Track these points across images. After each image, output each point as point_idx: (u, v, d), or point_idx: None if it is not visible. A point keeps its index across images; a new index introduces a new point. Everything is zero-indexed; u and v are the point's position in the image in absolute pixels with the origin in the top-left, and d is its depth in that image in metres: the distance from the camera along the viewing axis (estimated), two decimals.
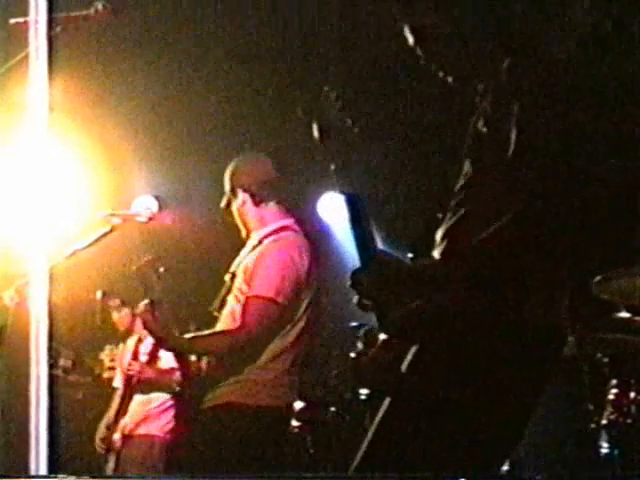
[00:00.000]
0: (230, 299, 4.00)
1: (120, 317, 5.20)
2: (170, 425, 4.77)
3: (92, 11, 3.90)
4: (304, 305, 3.99)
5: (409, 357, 2.42)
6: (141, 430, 5.00)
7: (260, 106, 5.47)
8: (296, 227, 4.11)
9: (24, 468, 3.35)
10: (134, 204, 4.60)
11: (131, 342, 5.12)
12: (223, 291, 4.06)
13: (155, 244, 4.47)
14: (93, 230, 4.27)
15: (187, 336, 3.99)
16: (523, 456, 3.98)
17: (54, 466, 3.20)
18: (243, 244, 4.13)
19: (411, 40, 2.47)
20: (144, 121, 5.42)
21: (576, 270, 2.42)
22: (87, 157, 5.00)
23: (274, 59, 5.35)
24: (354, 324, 4.90)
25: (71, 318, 4.25)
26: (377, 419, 2.48)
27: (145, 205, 4.44)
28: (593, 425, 4.06)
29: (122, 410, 4.81)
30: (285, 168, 4.21)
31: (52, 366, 4.77)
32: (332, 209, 5.85)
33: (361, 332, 4.86)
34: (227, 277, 4.07)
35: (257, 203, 4.09)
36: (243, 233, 4.15)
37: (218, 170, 4.30)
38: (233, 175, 4.13)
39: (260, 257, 3.99)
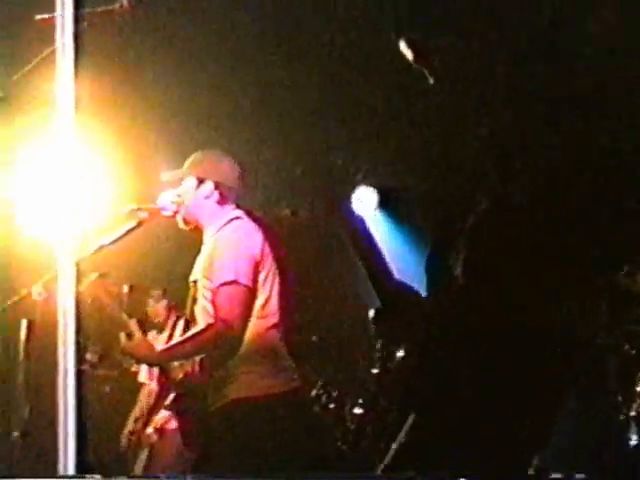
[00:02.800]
0: (199, 299, 4.09)
1: (156, 308, 5.23)
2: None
3: (117, 6, 3.99)
4: (264, 283, 4.06)
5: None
6: (172, 424, 4.98)
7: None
8: (245, 217, 4.19)
9: (52, 464, 3.42)
10: (160, 198, 4.58)
11: (164, 336, 5.07)
12: (190, 295, 4.15)
13: (181, 238, 4.46)
14: (120, 225, 4.30)
15: (165, 346, 4.11)
16: (553, 448, 3.99)
17: (83, 459, 3.25)
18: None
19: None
20: (170, 115, 5.46)
21: (603, 265, 2.48)
22: (113, 152, 5.06)
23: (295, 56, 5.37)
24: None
25: (98, 313, 4.18)
26: (408, 422, 2.44)
27: (171, 199, 4.34)
28: (622, 417, 4.08)
29: (157, 406, 4.82)
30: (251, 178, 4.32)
31: (79, 361, 4.88)
32: None
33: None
34: (191, 281, 4.15)
35: (220, 202, 4.19)
36: (182, 225, 4.22)
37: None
38: (207, 166, 4.24)
39: (213, 249, 4.08)
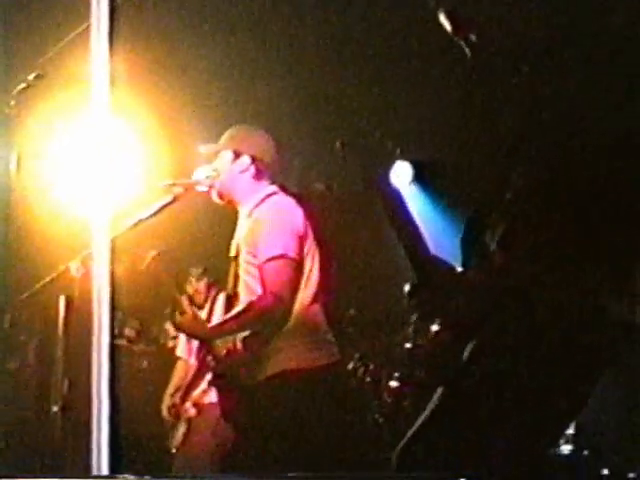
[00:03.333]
0: (242, 275, 4.10)
1: (197, 287, 5.18)
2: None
3: None
4: (306, 257, 4.10)
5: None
6: (211, 398, 4.99)
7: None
8: (281, 192, 4.20)
9: (86, 446, 3.42)
10: (196, 173, 4.58)
11: (203, 313, 5.00)
12: (231, 272, 4.15)
13: (216, 214, 4.47)
14: (155, 200, 4.31)
15: (217, 322, 4.15)
16: (584, 440, 4.03)
17: (117, 438, 3.27)
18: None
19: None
20: (206, 90, 5.38)
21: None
22: (149, 127, 5.01)
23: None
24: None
25: (136, 288, 4.20)
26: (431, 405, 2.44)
27: (206, 174, 4.35)
28: None
29: (196, 381, 4.83)
30: (287, 153, 4.36)
31: (116, 336, 4.92)
32: None
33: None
34: (231, 256, 4.16)
35: (256, 176, 4.20)
36: (216, 199, 4.22)
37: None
38: (244, 140, 4.25)
39: (256, 225, 4.09)
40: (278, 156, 4.28)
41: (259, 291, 4.04)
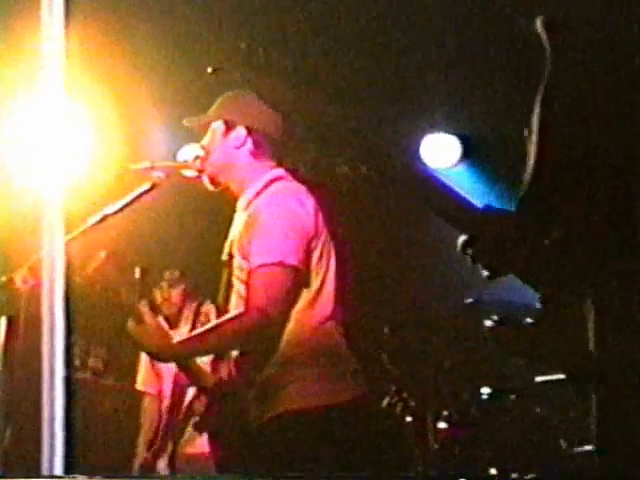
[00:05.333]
0: (235, 283, 3.65)
1: (169, 295, 4.81)
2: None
3: None
4: (318, 264, 3.59)
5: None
6: (199, 448, 4.44)
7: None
8: (290, 177, 3.74)
9: None
10: (180, 153, 3.98)
11: (183, 331, 4.71)
12: (223, 279, 3.70)
13: (204, 204, 4.02)
14: (127, 189, 3.78)
15: (183, 337, 3.67)
16: None
17: None
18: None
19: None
20: (192, 52, 4.96)
21: None
22: (117, 101, 4.69)
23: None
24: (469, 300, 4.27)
25: (100, 304, 3.71)
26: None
27: (193, 154, 3.81)
28: None
29: (173, 429, 4.33)
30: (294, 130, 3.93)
31: (78, 368, 4.28)
32: None
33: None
34: (224, 259, 3.72)
35: (255, 153, 3.71)
36: (209, 185, 3.76)
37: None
38: (238, 107, 3.80)
39: (252, 220, 3.61)
40: (283, 129, 3.77)
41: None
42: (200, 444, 4.36)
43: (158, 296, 4.81)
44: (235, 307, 3.61)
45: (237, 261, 3.63)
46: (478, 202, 5.08)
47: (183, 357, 3.56)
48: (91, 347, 4.85)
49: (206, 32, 4.98)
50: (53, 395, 2.90)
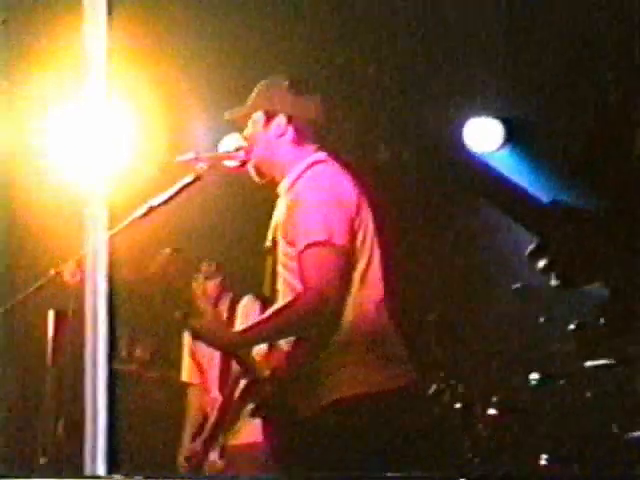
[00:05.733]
0: (280, 271, 3.63)
1: (205, 288, 4.72)
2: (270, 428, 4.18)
3: None
4: (362, 244, 3.57)
5: None
6: (252, 438, 4.49)
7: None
8: (330, 160, 3.71)
9: None
10: (222, 144, 3.99)
11: None
12: (268, 265, 3.68)
13: (247, 195, 4.00)
14: (171, 181, 3.77)
15: (244, 326, 3.59)
16: None
17: None
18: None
19: None
20: (231, 43, 4.98)
21: None
22: (156, 96, 4.72)
23: None
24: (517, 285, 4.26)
25: (146, 296, 3.60)
26: None
27: (236, 144, 3.77)
28: None
29: (225, 421, 4.22)
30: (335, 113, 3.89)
31: (124, 360, 4.31)
32: None
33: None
34: (267, 245, 3.72)
35: (296, 140, 3.70)
36: (256, 177, 3.74)
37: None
38: (276, 96, 3.75)
39: (294, 203, 3.60)
40: (323, 114, 3.74)
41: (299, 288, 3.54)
42: (252, 433, 4.43)
43: (196, 287, 4.72)
44: (282, 295, 3.59)
45: (282, 247, 3.62)
46: (523, 185, 5.10)
47: (244, 346, 3.53)
48: (138, 337, 4.84)
49: (244, 20, 5.01)
50: (96, 387, 2.93)
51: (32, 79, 4.65)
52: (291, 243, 3.55)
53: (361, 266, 3.54)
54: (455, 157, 5.00)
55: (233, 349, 3.56)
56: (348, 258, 3.51)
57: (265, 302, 3.66)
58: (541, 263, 3.35)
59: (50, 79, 4.59)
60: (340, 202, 3.54)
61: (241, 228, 4.47)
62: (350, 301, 3.53)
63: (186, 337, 5.00)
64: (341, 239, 3.48)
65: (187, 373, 4.85)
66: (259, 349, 3.61)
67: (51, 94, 4.57)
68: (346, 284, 3.51)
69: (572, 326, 4.12)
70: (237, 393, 3.78)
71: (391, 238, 3.65)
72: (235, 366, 4.02)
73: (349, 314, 3.53)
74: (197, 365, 4.85)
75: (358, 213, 3.56)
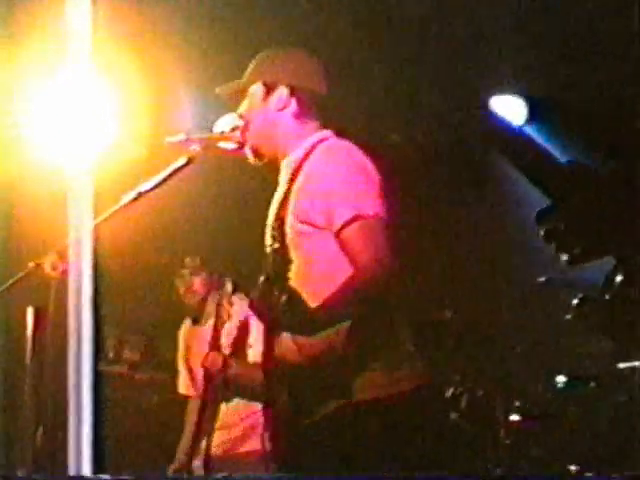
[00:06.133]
0: (291, 250, 3.48)
1: (192, 285, 4.66)
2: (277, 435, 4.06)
3: None
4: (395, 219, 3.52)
5: None
6: (239, 447, 4.51)
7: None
8: (338, 138, 3.65)
9: None
10: (217, 124, 3.89)
11: (208, 327, 4.55)
12: (271, 247, 3.55)
13: (242, 180, 3.98)
14: (161, 163, 3.69)
15: (314, 305, 3.40)
16: None
17: None
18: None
19: None
20: (219, 18, 4.88)
21: None
22: (144, 71, 4.63)
23: None
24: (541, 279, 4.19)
25: (135, 290, 3.50)
26: None
27: (230, 124, 3.64)
28: None
29: (203, 426, 4.25)
30: (336, 82, 3.76)
31: (112, 360, 4.23)
32: None
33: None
34: (270, 225, 3.59)
35: (299, 115, 3.61)
36: (252, 159, 3.64)
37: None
38: (277, 66, 3.68)
39: (313, 178, 3.47)
40: (328, 85, 3.64)
41: (344, 266, 3.37)
42: (255, 441, 4.24)
43: (180, 285, 4.70)
44: (296, 277, 3.46)
45: (291, 225, 3.49)
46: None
47: (318, 326, 3.35)
48: (127, 337, 4.78)
49: None
50: (80, 391, 2.82)
51: (13, 61, 4.56)
52: (307, 221, 3.43)
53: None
54: (482, 132, 4.92)
55: (315, 328, 3.37)
56: (395, 232, 3.40)
57: (268, 284, 3.47)
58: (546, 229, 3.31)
59: (32, 60, 4.50)
60: (368, 174, 3.45)
61: (238, 214, 4.33)
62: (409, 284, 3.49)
63: (180, 342, 5.01)
64: (384, 212, 3.40)
65: (184, 385, 4.80)
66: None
67: (33, 75, 4.48)
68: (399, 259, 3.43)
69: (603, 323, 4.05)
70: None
71: (405, 227, 3.53)
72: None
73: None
74: (191, 374, 4.79)
75: (382, 188, 3.48)
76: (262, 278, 3.47)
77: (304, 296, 3.43)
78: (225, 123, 3.71)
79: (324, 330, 3.40)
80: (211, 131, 3.75)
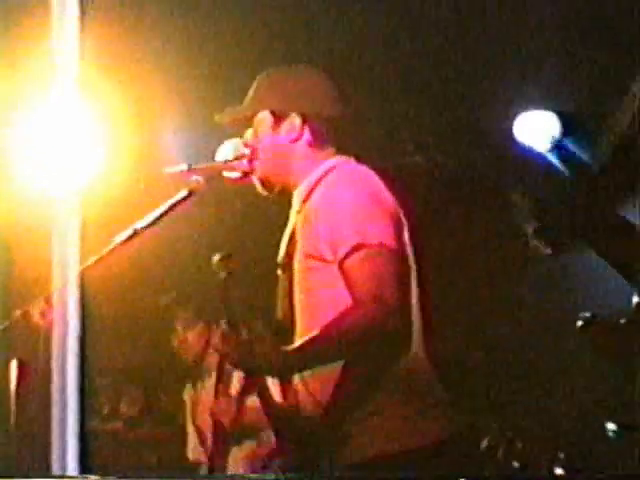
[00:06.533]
0: (296, 290, 3.46)
1: (186, 340, 4.63)
2: None
3: None
4: (407, 250, 3.45)
5: None
6: None
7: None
8: (354, 162, 3.59)
9: None
10: (219, 153, 3.70)
11: (210, 384, 4.58)
12: (281, 282, 3.53)
13: (251, 212, 3.86)
14: (159, 197, 3.61)
15: (297, 344, 3.37)
16: None
17: None
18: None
19: None
20: (229, 31, 4.79)
21: None
22: (138, 102, 4.59)
23: None
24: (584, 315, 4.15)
25: (131, 337, 3.40)
26: None
27: (234, 152, 3.57)
28: None
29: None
30: (351, 103, 3.69)
31: (106, 416, 4.10)
32: None
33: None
34: (280, 262, 3.57)
35: (313, 143, 3.56)
36: (261, 189, 3.61)
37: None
38: (285, 89, 3.62)
39: (321, 207, 3.45)
40: (342, 106, 3.57)
41: (343, 299, 3.33)
42: None
43: (174, 340, 4.67)
44: (300, 317, 3.42)
45: (299, 262, 3.47)
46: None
47: (298, 368, 3.33)
48: (123, 389, 4.72)
49: (237, 8, 4.84)
50: (65, 455, 2.73)
51: None
52: (314, 255, 3.42)
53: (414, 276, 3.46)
54: (504, 157, 4.86)
55: (283, 372, 3.36)
56: (403, 264, 3.36)
57: (278, 328, 3.47)
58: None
59: (18, 82, 4.49)
60: (380, 200, 3.41)
61: (243, 248, 4.19)
62: (416, 318, 3.39)
63: (187, 398, 5.01)
64: (392, 241, 3.34)
65: (194, 451, 4.76)
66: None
67: (19, 99, 4.43)
68: (407, 289, 3.35)
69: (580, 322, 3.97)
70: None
71: (428, 256, 3.49)
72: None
73: (417, 337, 3.37)
74: (200, 435, 4.74)
75: (398, 214, 3.43)
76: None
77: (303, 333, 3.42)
78: (228, 150, 3.64)
79: (306, 370, 3.33)
80: (213, 160, 3.64)
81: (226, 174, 3.66)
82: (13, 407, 3.60)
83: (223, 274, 3.38)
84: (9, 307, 3.87)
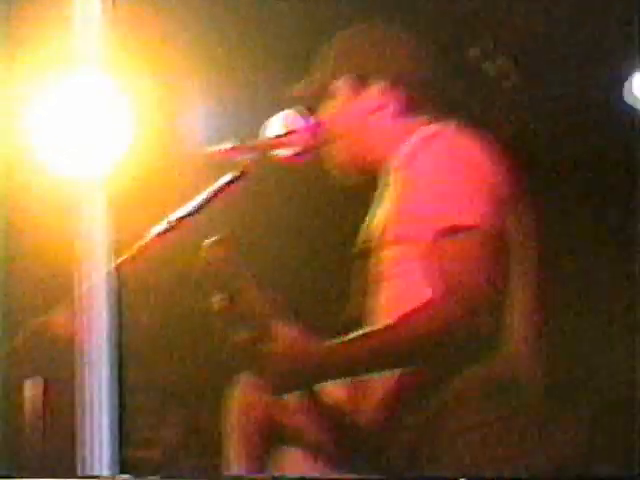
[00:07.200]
0: (380, 282, 3.44)
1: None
2: None
3: None
4: (511, 235, 3.41)
5: None
6: None
7: None
8: (453, 131, 3.55)
9: None
10: (268, 128, 3.64)
11: None
12: (360, 272, 3.49)
13: (309, 194, 3.80)
14: (206, 180, 3.57)
15: (343, 339, 3.28)
16: None
17: None
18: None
19: None
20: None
21: None
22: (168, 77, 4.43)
23: None
24: None
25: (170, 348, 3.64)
26: None
27: (291, 124, 3.53)
28: None
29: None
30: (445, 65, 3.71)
31: (146, 444, 4.20)
32: None
33: None
34: (359, 251, 3.58)
35: (402, 111, 3.54)
36: (337, 170, 3.59)
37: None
38: (365, 54, 3.59)
39: (413, 182, 3.38)
40: (436, 67, 3.54)
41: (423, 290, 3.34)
42: None
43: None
44: (381, 314, 3.38)
45: (385, 250, 3.41)
46: None
47: (343, 371, 3.24)
48: (165, 411, 4.62)
49: None
50: None
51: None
52: (402, 239, 3.35)
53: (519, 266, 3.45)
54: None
55: (316, 378, 3.23)
56: (503, 251, 3.31)
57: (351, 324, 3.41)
58: None
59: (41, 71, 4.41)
60: (479, 174, 3.33)
61: (302, 238, 4.25)
62: (511, 318, 3.33)
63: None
64: (488, 224, 3.26)
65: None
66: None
67: (43, 88, 4.32)
68: (506, 280, 3.31)
69: None
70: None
71: (540, 243, 3.41)
72: None
73: (508, 339, 3.33)
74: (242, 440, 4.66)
75: (504, 195, 3.40)
76: None
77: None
78: (278, 125, 3.59)
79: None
80: (262, 136, 3.58)
81: (278, 152, 3.58)
82: (40, 430, 3.57)
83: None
84: (25, 316, 3.80)
